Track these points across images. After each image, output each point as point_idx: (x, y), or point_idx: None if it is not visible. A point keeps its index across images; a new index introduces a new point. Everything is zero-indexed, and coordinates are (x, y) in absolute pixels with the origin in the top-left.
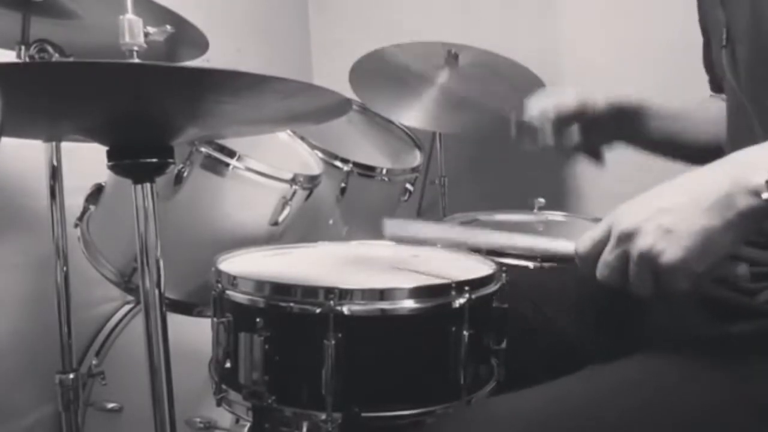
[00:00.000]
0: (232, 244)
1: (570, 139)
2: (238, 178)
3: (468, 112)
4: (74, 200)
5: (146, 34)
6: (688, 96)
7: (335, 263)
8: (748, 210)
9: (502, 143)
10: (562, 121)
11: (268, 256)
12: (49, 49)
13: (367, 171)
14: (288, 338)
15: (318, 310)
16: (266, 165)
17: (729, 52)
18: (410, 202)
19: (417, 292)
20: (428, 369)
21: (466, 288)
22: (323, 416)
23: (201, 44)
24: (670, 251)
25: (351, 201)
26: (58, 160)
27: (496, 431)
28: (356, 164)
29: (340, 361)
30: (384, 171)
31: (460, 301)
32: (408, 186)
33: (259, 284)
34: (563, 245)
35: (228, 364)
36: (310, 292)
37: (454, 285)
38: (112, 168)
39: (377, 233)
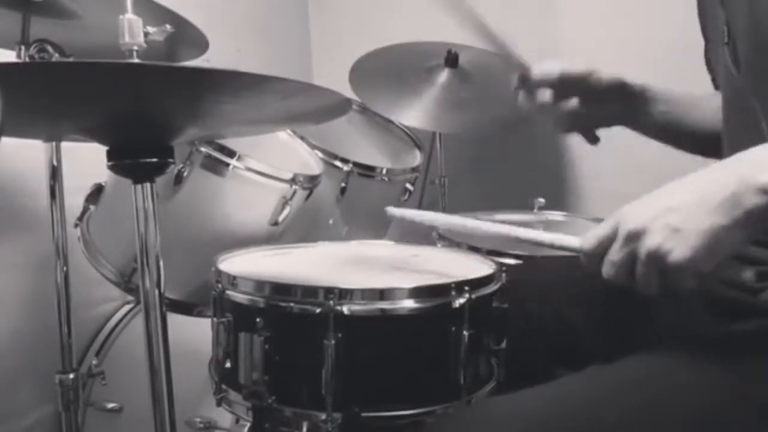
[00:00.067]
0: (232, 244)
1: (569, 106)
2: (238, 178)
3: (468, 112)
4: (74, 200)
5: (146, 34)
6: None
7: (335, 263)
8: (755, 208)
9: (502, 143)
10: (564, 82)
11: (268, 256)
12: (49, 49)
13: (367, 171)
14: (288, 338)
15: (318, 310)
16: (266, 165)
17: (731, 49)
18: (410, 202)
19: (417, 292)
20: (428, 369)
21: (466, 288)
22: (323, 416)
23: (201, 44)
24: (678, 250)
25: (351, 201)
26: (58, 160)
27: (496, 431)
28: (356, 164)
29: (340, 361)
30: (384, 171)
31: (460, 301)
32: (408, 186)
33: (259, 284)
34: (569, 240)
35: (228, 364)
36: (310, 292)
37: (454, 285)
38: (112, 168)
39: (377, 233)
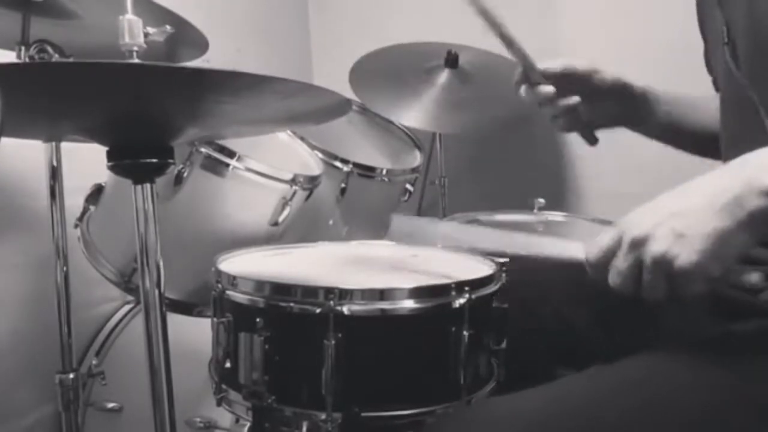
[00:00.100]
0: (232, 244)
1: (570, 102)
2: (238, 179)
3: (468, 112)
4: (74, 200)
5: (146, 35)
6: None
7: (335, 263)
8: (759, 211)
9: (502, 143)
10: (567, 78)
11: (268, 256)
12: (49, 49)
13: (367, 171)
14: (288, 338)
15: (318, 310)
16: (266, 165)
17: (731, 49)
18: (410, 203)
19: (417, 292)
20: (428, 369)
21: (466, 288)
22: (323, 416)
23: (201, 44)
24: (684, 255)
25: (351, 201)
26: (58, 160)
27: (496, 431)
28: (356, 164)
29: (340, 361)
30: (384, 171)
31: (460, 301)
32: (408, 186)
33: (259, 284)
34: (573, 249)
35: (228, 364)
36: (310, 292)
37: (454, 285)
38: (112, 168)
39: (377, 233)
